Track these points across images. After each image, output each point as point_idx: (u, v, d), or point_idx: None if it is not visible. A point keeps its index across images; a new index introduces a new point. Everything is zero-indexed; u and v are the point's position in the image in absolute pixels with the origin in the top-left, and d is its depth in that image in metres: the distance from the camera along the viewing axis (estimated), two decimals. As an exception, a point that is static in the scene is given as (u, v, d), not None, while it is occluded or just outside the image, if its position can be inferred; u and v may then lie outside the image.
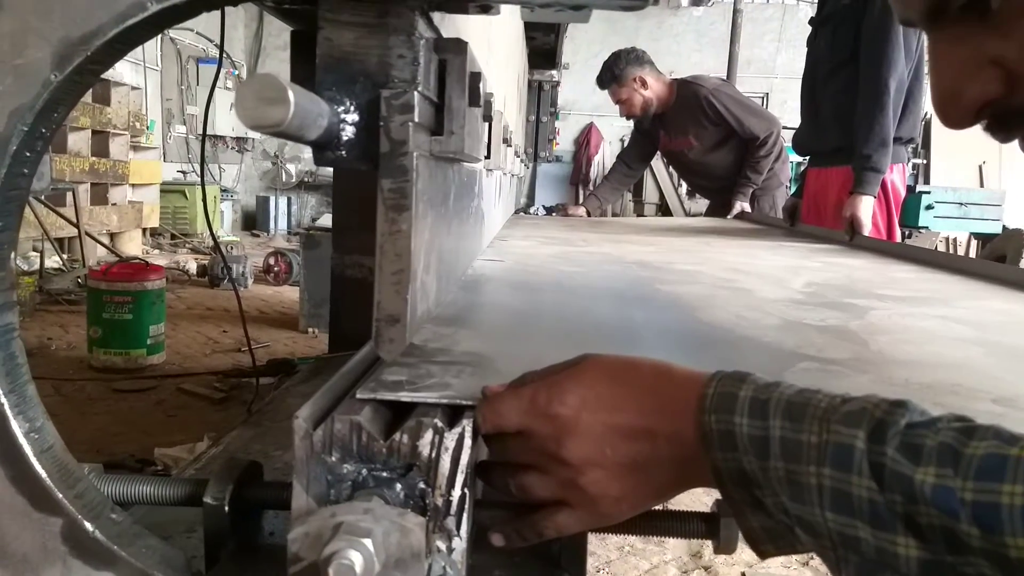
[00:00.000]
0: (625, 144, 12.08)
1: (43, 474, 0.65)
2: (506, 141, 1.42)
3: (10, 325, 0.66)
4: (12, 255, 0.65)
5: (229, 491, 0.74)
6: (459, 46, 0.69)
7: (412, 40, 0.63)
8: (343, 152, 0.64)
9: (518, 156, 2.55)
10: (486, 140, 1.06)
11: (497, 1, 0.63)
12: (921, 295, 1.79)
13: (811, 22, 3.29)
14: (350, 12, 0.63)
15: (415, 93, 0.62)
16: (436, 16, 0.70)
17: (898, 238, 2.95)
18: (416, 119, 0.61)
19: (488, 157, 1.08)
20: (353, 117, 0.64)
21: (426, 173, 0.66)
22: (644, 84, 4.01)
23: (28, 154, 0.63)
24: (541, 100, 4.05)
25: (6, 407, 0.64)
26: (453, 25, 0.82)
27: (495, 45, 1.40)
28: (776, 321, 1.32)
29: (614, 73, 4.00)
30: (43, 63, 0.61)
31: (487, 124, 0.99)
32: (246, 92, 0.52)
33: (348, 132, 0.64)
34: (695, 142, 3.98)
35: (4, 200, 0.62)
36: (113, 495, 0.73)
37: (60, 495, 0.65)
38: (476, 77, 0.73)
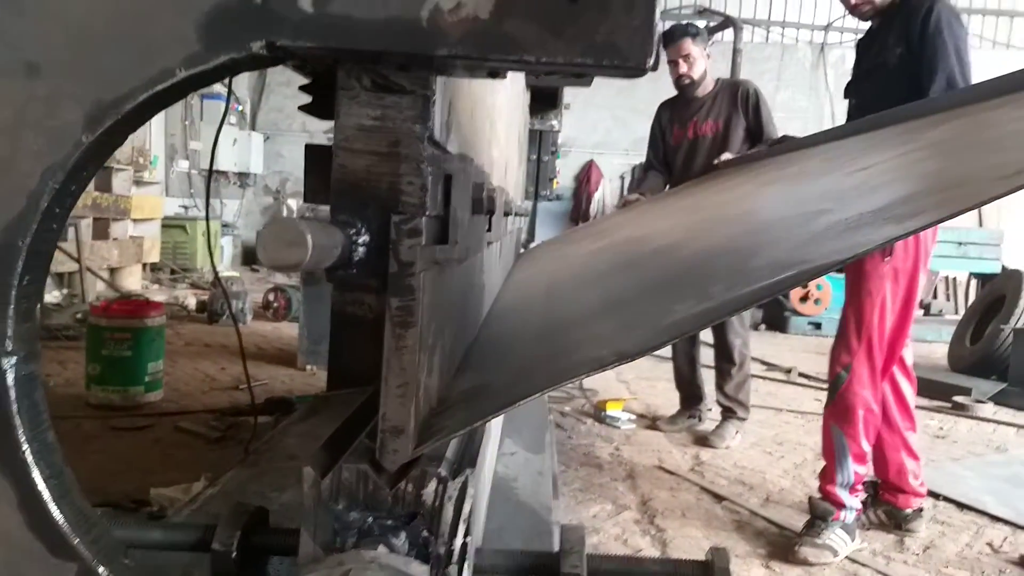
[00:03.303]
0: (626, 181, 11.92)
1: (61, 520, 0.66)
2: (507, 213, 1.46)
3: (34, 373, 0.68)
4: (38, 307, 0.67)
5: (237, 537, 0.75)
6: (463, 161, 0.73)
7: (420, 168, 0.67)
8: (354, 271, 0.68)
9: (519, 215, 2.59)
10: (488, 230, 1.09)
11: (505, 68, 0.67)
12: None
13: (848, 89, 3.13)
14: (363, 141, 0.67)
15: (423, 218, 0.65)
16: (441, 89, 0.74)
17: (920, 285, 2.79)
18: (424, 242, 0.65)
19: (489, 231, 1.12)
20: (364, 239, 0.68)
21: (431, 287, 0.70)
22: (708, 57, 4.06)
23: (58, 210, 0.66)
24: (542, 140, 4.11)
25: (28, 454, 0.66)
26: (457, 128, 0.85)
27: (497, 119, 1.45)
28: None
29: (690, 32, 4.01)
30: (75, 125, 0.65)
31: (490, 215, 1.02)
32: (268, 236, 0.55)
33: (359, 252, 0.69)
34: (721, 127, 3.98)
35: (33, 254, 0.65)
36: (124, 539, 0.74)
37: (76, 541, 0.67)
38: (479, 188, 0.77)
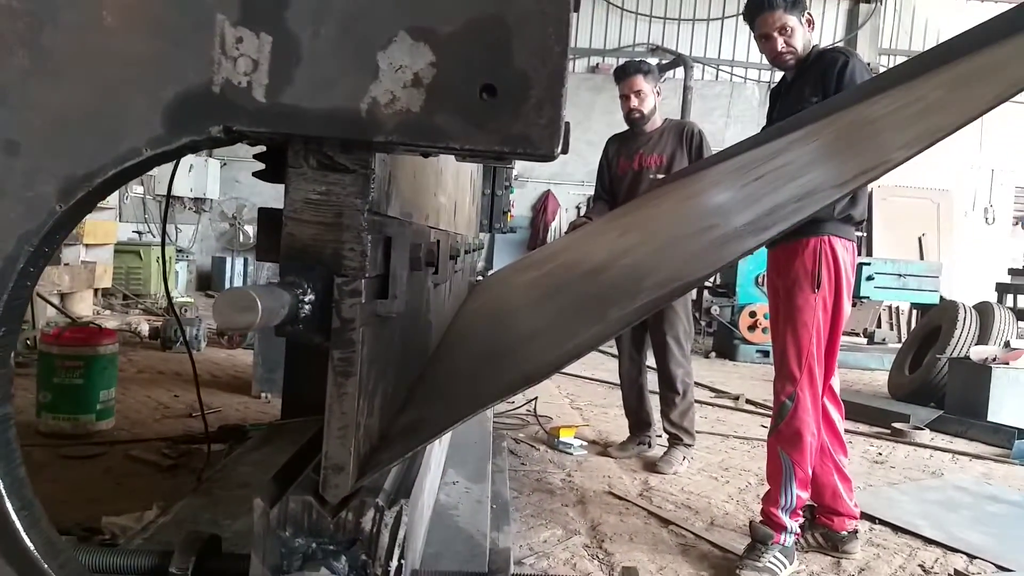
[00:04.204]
0: (582, 211, 12.17)
1: (32, 547, 0.73)
2: (455, 256, 1.55)
3: (8, 415, 0.75)
4: (12, 354, 0.74)
5: (192, 563, 0.82)
6: (403, 225, 0.83)
7: (361, 236, 0.76)
8: (300, 326, 0.76)
9: (469, 253, 2.68)
10: (431, 280, 1.17)
11: (434, 153, 0.77)
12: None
13: None
14: (310, 213, 0.76)
15: (363, 280, 0.74)
16: (380, 164, 0.83)
17: (845, 315, 2.97)
18: (363, 301, 0.74)
19: (436, 273, 1.21)
20: (310, 298, 0.77)
21: (371, 338, 0.78)
22: (658, 94, 4.21)
23: (32, 270, 0.73)
24: (496, 176, 4.23)
25: (1, 488, 0.73)
26: (398, 193, 0.94)
27: (444, 169, 1.54)
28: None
29: (642, 69, 4.16)
30: (50, 196, 0.73)
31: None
32: (222, 302, 0.64)
33: (306, 310, 0.77)
34: (665, 161, 4.14)
35: (9, 309, 0.72)
36: (87, 565, 0.81)
37: (46, 567, 0.73)
38: (417, 248, 0.86)
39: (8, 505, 0.72)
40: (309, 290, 0.75)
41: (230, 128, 0.74)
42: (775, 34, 2.98)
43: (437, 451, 1.65)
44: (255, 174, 0.88)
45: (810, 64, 2.98)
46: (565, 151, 0.76)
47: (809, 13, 3.05)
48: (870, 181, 0.97)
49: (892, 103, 1.60)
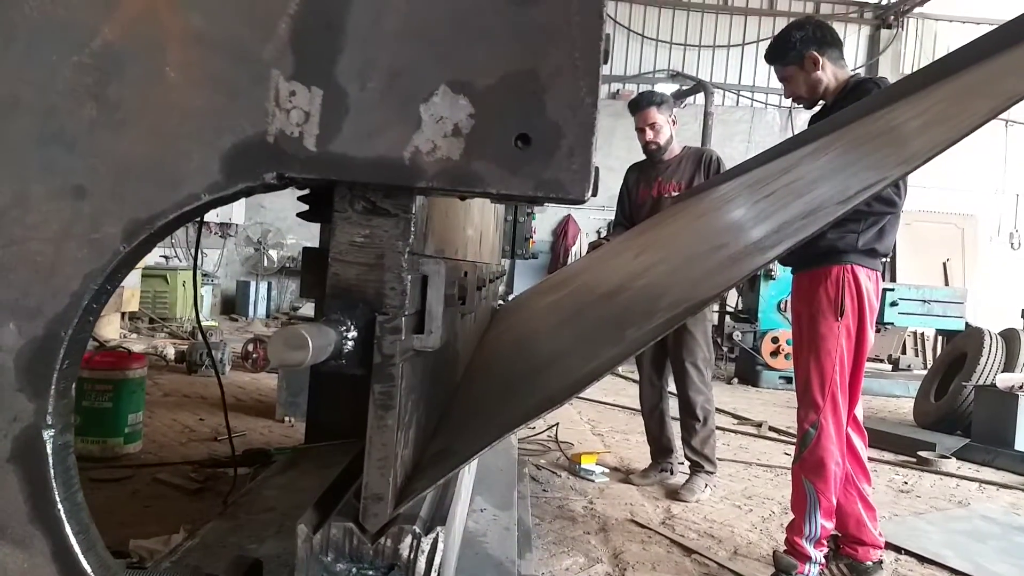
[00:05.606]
0: (602, 236, 12.36)
1: (88, 569, 0.77)
2: (481, 286, 1.59)
3: (68, 443, 0.80)
4: (73, 386, 0.79)
5: (237, 585, 0.86)
6: (438, 263, 0.88)
7: (401, 276, 0.81)
8: (343, 361, 0.80)
9: (494, 280, 2.73)
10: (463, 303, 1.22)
11: (471, 197, 0.81)
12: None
13: None
14: (354, 254, 0.81)
15: (403, 318, 0.78)
16: (419, 207, 0.88)
17: (869, 343, 2.98)
18: (403, 337, 0.78)
19: (464, 304, 1.25)
20: (353, 334, 0.81)
21: (409, 372, 0.83)
22: (674, 123, 4.26)
23: (95, 306, 0.78)
24: (518, 204, 4.29)
25: (62, 512, 0.77)
26: (432, 232, 0.99)
27: (472, 203, 1.59)
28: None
29: (655, 100, 4.22)
30: (115, 238, 0.78)
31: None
32: (277, 340, 0.69)
33: (348, 346, 0.81)
34: (684, 188, 4.17)
35: (73, 343, 0.77)
36: (138, 588, 0.85)
37: (102, 588, 0.78)
38: (451, 284, 0.90)
39: (68, 529, 0.77)
40: (352, 327, 0.79)
41: (283, 175, 0.79)
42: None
43: (467, 479, 1.68)
44: (299, 215, 0.93)
45: (847, 93, 3.01)
46: (595, 194, 0.81)
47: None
48: (871, 196, 1.00)
49: (896, 117, 1.63)
